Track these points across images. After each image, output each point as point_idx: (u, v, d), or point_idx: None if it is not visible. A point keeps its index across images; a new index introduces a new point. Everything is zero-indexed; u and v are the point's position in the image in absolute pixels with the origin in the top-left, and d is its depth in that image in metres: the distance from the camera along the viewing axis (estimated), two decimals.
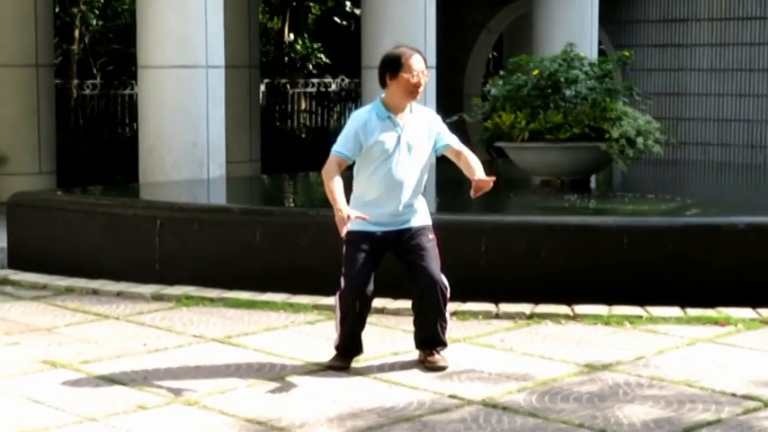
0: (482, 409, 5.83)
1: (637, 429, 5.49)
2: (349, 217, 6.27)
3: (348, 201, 6.47)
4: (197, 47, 11.53)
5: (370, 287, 6.53)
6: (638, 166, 11.82)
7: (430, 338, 6.64)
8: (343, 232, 6.32)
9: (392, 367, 6.62)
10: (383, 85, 6.53)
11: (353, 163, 6.56)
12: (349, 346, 6.66)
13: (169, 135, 11.53)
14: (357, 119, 6.54)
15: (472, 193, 6.48)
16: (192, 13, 11.51)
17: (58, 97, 16.97)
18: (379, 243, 6.52)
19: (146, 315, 8.11)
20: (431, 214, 6.74)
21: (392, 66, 6.47)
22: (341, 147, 6.49)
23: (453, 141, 6.67)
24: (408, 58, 6.46)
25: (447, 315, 6.67)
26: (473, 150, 6.86)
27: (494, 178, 6.49)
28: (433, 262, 6.55)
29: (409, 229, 6.55)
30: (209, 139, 11.64)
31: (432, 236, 6.62)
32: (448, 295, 6.61)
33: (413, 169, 6.52)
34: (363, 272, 6.50)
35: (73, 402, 5.96)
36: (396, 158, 6.46)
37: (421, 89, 6.50)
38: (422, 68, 6.48)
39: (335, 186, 6.37)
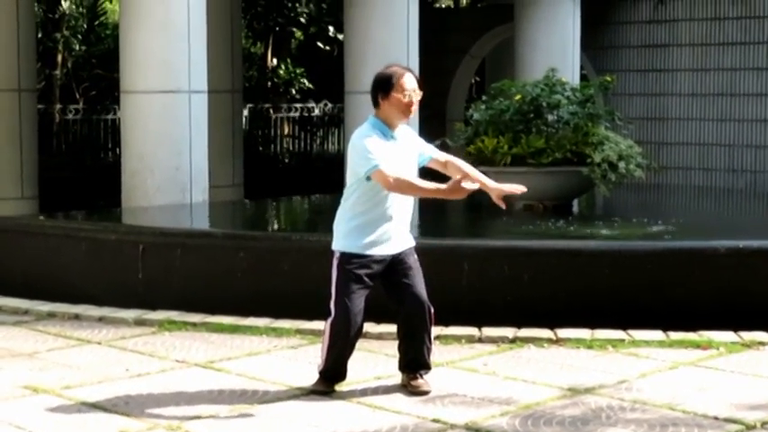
0: None
1: None
2: (459, 181, 6.22)
3: (339, 223, 6.50)
4: (180, 72, 11.55)
5: (363, 315, 6.49)
6: (621, 190, 11.85)
7: (415, 360, 6.63)
8: (465, 189, 6.24)
9: (375, 391, 6.61)
10: (376, 104, 6.48)
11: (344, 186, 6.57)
12: (334, 371, 6.63)
13: (152, 160, 11.53)
14: (370, 136, 6.39)
15: (498, 202, 6.54)
16: (175, 39, 11.53)
17: (41, 122, 16.98)
18: (376, 268, 6.46)
19: (128, 340, 8.08)
20: (414, 238, 6.75)
21: (384, 85, 6.43)
22: (381, 160, 6.29)
23: (435, 152, 6.71)
24: (400, 77, 6.43)
25: (432, 338, 6.66)
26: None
27: (522, 188, 6.61)
28: (421, 282, 6.56)
29: (399, 252, 6.54)
30: (192, 163, 11.64)
31: (416, 257, 6.63)
32: (433, 315, 6.60)
33: None
34: (357, 300, 6.43)
35: (55, 428, 5.94)
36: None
37: (414, 108, 6.48)
38: (413, 87, 6.46)
39: (416, 181, 6.35)
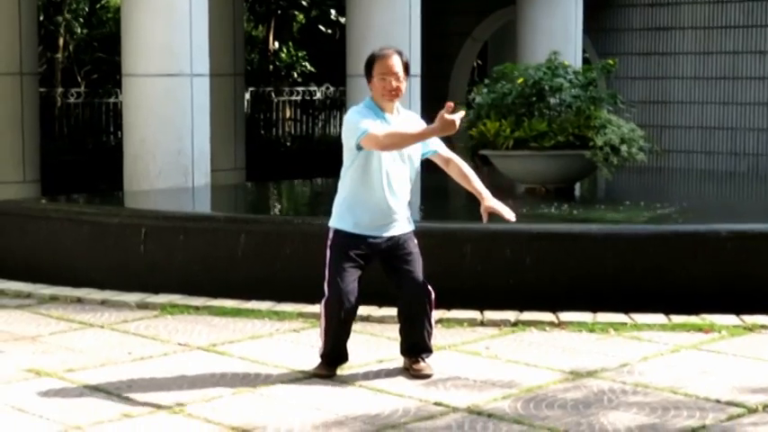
0: (467, 416, 5.84)
1: None
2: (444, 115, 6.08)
3: (335, 204, 6.53)
4: (182, 55, 11.54)
5: (356, 295, 6.49)
6: (623, 173, 11.85)
7: (416, 345, 6.64)
8: (454, 121, 6.09)
9: (377, 375, 6.62)
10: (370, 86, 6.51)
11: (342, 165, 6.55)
12: (334, 354, 6.64)
13: (154, 143, 11.53)
14: (360, 112, 6.39)
15: (484, 218, 6.54)
16: (177, 22, 11.51)
17: (43, 106, 16.96)
18: (367, 249, 6.48)
19: (130, 323, 8.10)
20: (415, 222, 6.74)
21: (367, 68, 6.46)
22: (370, 126, 6.25)
23: (441, 147, 6.67)
24: (381, 59, 6.39)
25: (432, 322, 6.66)
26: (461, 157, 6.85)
27: (512, 217, 6.55)
28: (419, 267, 6.56)
29: (397, 236, 6.53)
30: (194, 147, 11.64)
31: (416, 242, 6.62)
32: (433, 300, 6.61)
33: (404, 173, 6.51)
34: (349, 279, 6.45)
35: (57, 411, 5.95)
36: (389, 160, 6.42)
37: (396, 92, 6.36)
38: (393, 70, 6.36)
39: (407, 130, 6.28)
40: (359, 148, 6.34)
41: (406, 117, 6.60)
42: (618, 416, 5.80)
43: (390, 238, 6.51)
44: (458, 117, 6.10)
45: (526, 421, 5.74)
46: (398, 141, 6.31)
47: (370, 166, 6.40)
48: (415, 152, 6.56)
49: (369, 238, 6.47)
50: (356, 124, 6.32)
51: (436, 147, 6.65)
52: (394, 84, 6.38)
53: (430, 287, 6.58)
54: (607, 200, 11.57)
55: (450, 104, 6.12)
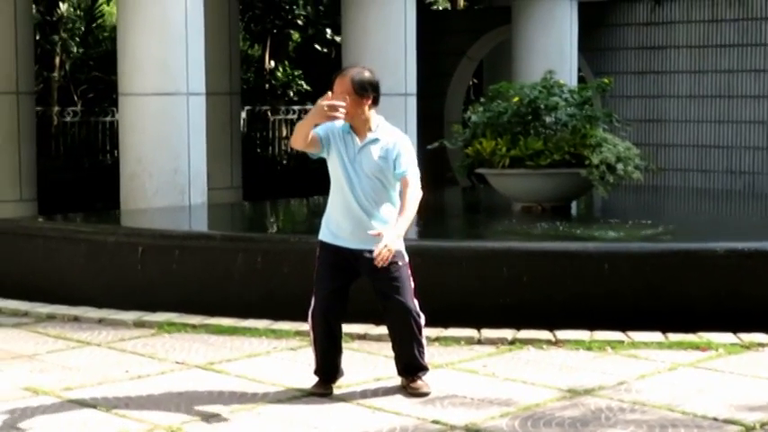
0: None
1: None
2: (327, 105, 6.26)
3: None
4: (178, 74, 11.56)
5: (339, 304, 6.53)
6: (619, 192, 11.87)
7: (409, 365, 6.64)
8: (332, 109, 6.25)
9: (375, 393, 6.62)
10: None
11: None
12: (325, 367, 6.65)
13: (150, 162, 11.53)
14: (330, 124, 6.54)
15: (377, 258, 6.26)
16: (173, 41, 11.53)
17: (39, 124, 16.96)
18: (346, 260, 6.50)
19: (127, 342, 8.09)
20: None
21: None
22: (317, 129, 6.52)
23: (409, 173, 6.45)
24: (335, 79, 6.50)
25: (423, 341, 6.61)
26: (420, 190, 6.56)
27: (387, 252, 6.23)
28: (404, 290, 6.48)
29: (371, 251, 6.37)
30: (191, 165, 11.65)
31: (403, 261, 6.53)
32: (422, 322, 6.56)
33: (365, 189, 6.44)
34: (331, 288, 6.51)
35: (55, 429, 5.94)
36: (349, 175, 6.45)
37: (337, 112, 6.29)
38: (337, 90, 6.40)
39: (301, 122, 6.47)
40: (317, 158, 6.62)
41: (384, 135, 6.49)
42: None
43: (365, 251, 6.41)
44: (329, 102, 6.23)
45: None
46: (295, 133, 6.48)
47: (335, 176, 6.54)
48: (380, 169, 6.46)
49: (345, 250, 6.49)
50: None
51: (404, 170, 6.45)
52: (336, 103, 6.34)
53: (418, 312, 6.51)
54: (603, 218, 11.58)
55: (329, 94, 6.29)
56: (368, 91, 6.46)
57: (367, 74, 6.52)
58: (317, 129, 6.49)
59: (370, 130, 6.51)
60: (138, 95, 11.62)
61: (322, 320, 6.54)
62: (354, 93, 6.42)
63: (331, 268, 6.53)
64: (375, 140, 6.49)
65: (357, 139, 6.50)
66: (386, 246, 6.20)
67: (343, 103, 6.29)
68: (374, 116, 6.55)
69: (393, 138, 6.53)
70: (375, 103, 6.52)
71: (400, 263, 6.50)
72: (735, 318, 8.03)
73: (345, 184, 6.48)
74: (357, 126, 6.50)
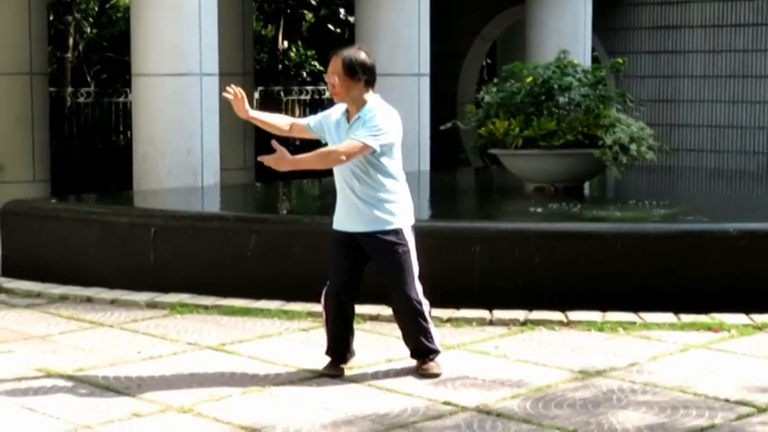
0: (476, 415, 5.84)
1: None
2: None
3: None
4: (191, 55, 11.56)
5: (349, 285, 6.55)
6: (632, 172, 11.84)
7: (417, 349, 6.64)
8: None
9: (386, 374, 6.63)
10: None
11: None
12: (335, 346, 6.67)
13: (163, 143, 11.55)
14: (334, 107, 6.64)
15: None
16: (186, 21, 11.53)
17: (52, 105, 17.02)
18: (349, 243, 6.52)
19: (140, 323, 8.11)
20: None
21: None
22: (312, 116, 6.71)
23: (354, 137, 6.33)
24: (330, 57, 6.52)
25: (428, 326, 6.57)
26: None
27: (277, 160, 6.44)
28: (403, 276, 6.45)
29: (372, 235, 6.41)
30: (204, 146, 11.66)
31: (402, 245, 6.44)
32: (425, 308, 6.52)
33: (354, 170, 6.41)
34: (339, 272, 6.55)
35: (67, 410, 5.96)
36: None
37: (335, 92, 6.41)
38: (330, 70, 6.44)
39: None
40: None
41: (361, 117, 6.41)
42: (627, 415, 5.80)
43: (364, 235, 6.44)
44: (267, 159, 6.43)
45: (535, 421, 5.74)
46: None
47: None
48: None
49: (345, 233, 6.54)
50: None
51: (353, 136, 6.39)
52: (330, 81, 6.45)
53: (419, 299, 6.48)
54: (616, 199, 11.55)
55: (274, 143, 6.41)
56: (358, 73, 6.39)
57: (362, 55, 6.46)
58: (313, 116, 6.66)
59: (359, 112, 6.48)
60: (152, 76, 11.63)
61: (334, 299, 6.57)
62: (344, 74, 6.40)
63: (342, 248, 6.56)
64: (358, 119, 6.43)
65: (347, 118, 6.51)
66: (267, 159, 6.40)
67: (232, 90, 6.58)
68: (370, 98, 6.47)
69: (371, 113, 6.41)
70: (368, 85, 6.45)
71: (401, 249, 6.46)
72: (747, 299, 8.01)
73: (337, 169, 6.49)
74: (350, 107, 6.50)
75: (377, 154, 6.37)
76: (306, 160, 6.47)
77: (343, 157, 6.31)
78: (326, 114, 6.64)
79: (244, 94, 6.62)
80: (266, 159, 6.42)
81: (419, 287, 6.51)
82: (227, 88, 6.62)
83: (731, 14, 17.35)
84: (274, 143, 6.40)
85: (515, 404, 6.02)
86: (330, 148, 6.44)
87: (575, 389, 6.30)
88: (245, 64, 17.06)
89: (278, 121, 6.78)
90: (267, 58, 25.11)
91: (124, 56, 18.80)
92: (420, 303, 6.50)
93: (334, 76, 6.41)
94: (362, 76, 6.41)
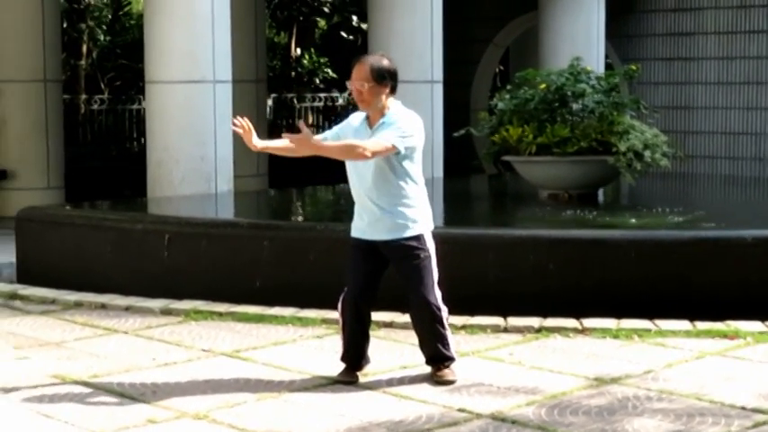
0: (491, 422, 5.83)
1: None
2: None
3: None
4: (204, 62, 11.58)
5: (367, 292, 6.55)
6: (646, 179, 11.81)
7: (433, 356, 6.63)
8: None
9: (401, 381, 6.62)
10: None
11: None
12: (351, 352, 6.66)
13: (177, 150, 11.56)
14: (350, 117, 6.67)
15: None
16: (200, 29, 11.55)
17: (66, 112, 17.06)
18: (367, 251, 6.52)
19: (154, 329, 8.12)
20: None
21: None
22: (327, 131, 6.72)
23: (378, 136, 6.35)
24: (353, 66, 6.49)
25: (445, 332, 6.57)
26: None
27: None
28: (424, 281, 6.44)
29: (393, 242, 6.42)
30: (217, 153, 11.67)
31: (423, 250, 6.45)
32: (443, 315, 6.51)
33: (374, 178, 6.39)
34: (357, 278, 6.54)
35: (82, 417, 5.97)
36: (357, 165, 6.45)
37: (361, 99, 6.40)
38: (355, 77, 6.41)
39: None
40: None
41: (382, 125, 6.41)
42: (642, 422, 5.78)
43: (386, 243, 6.45)
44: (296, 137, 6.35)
45: (550, 428, 5.72)
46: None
47: (348, 169, 6.57)
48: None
49: (364, 241, 6.53)
50: None
51: (376, 136, 6.41)
52: (355, 87, 6.44)
53: (438, 305, 6.47)
54: (630, 206, 11.52)
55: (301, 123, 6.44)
56: (386, 79, 6.43)
57: (386, 62, 6.48)
58: (328, 131, 6.70)
59: (383, 117, 6.47)
60: (165, 83, 11.65)
61: (352, 305, 6.56)
62: (373, 80, 6.39)
63: (361, 254, 6.55)
64: (382, 123, 6.43)
65: (369, 125, 6.49)
66: (292, 138, 6.38)
67: (239, 122, 6.61)
68: (392, 104, 6.49)
69: (396, 117, 6.42)
70: (393, 91, 6.47)
71: (422, 254, 6.47)
72: (763, 306, 7.98)
73: (354, 176, 6.48)
74: (372, 114, 6.48)
75: (399, 157, 6.37)
76: (330, 148, 6.40)
77: (368, 153, 6.26)
78: (343, 126, 6.62)
79: (251, 127, 6.56)
80: (291, 138, 6.38)
81: (438, 293, 6.51)
82: (235, 121, 6.64)
83: (745, 21, 17.31)
84: (300, 123, 6.44)
85: (530, 411, 6.00)
86: (356, 141, 6.35)
87: (590, 396, 6.29)
88: (258, 71, 17.08)
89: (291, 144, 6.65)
90: (280, 65, 25.14)
91: (137, 63, 18.83)
92: (439, 309, 6.50)
93: (362, 83, 6.39)
94: (390, 81, 6.44)
